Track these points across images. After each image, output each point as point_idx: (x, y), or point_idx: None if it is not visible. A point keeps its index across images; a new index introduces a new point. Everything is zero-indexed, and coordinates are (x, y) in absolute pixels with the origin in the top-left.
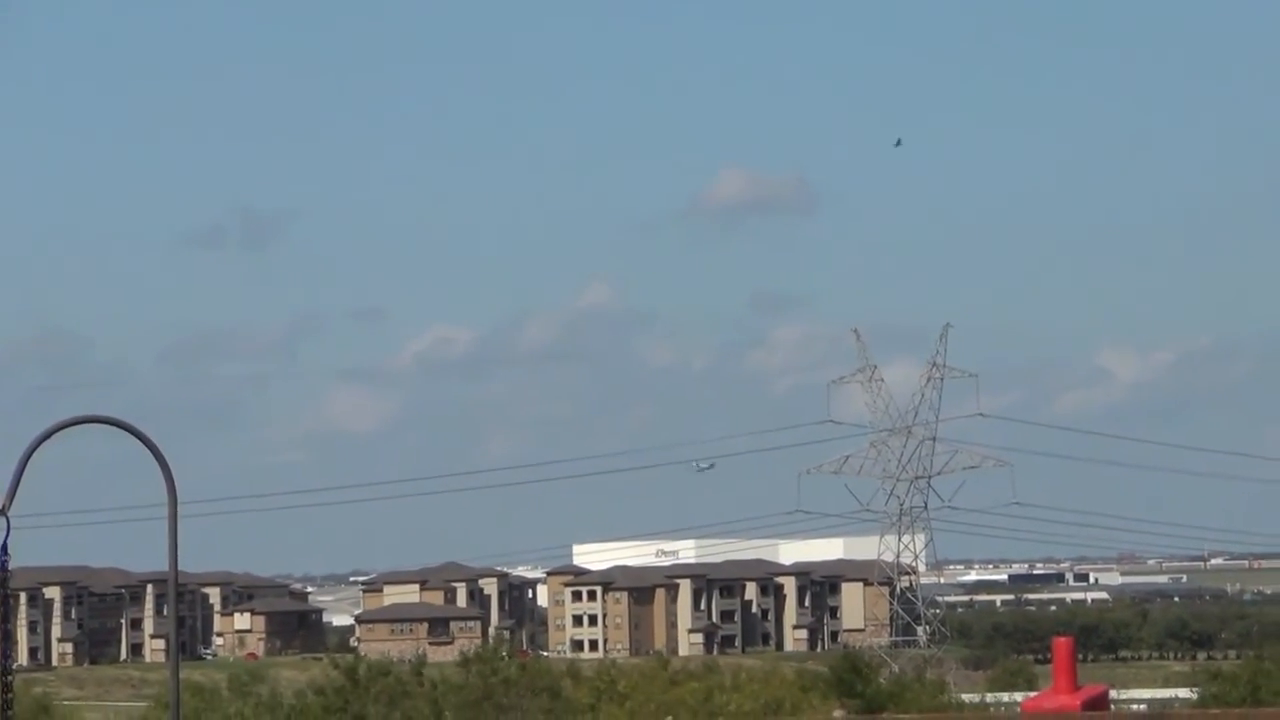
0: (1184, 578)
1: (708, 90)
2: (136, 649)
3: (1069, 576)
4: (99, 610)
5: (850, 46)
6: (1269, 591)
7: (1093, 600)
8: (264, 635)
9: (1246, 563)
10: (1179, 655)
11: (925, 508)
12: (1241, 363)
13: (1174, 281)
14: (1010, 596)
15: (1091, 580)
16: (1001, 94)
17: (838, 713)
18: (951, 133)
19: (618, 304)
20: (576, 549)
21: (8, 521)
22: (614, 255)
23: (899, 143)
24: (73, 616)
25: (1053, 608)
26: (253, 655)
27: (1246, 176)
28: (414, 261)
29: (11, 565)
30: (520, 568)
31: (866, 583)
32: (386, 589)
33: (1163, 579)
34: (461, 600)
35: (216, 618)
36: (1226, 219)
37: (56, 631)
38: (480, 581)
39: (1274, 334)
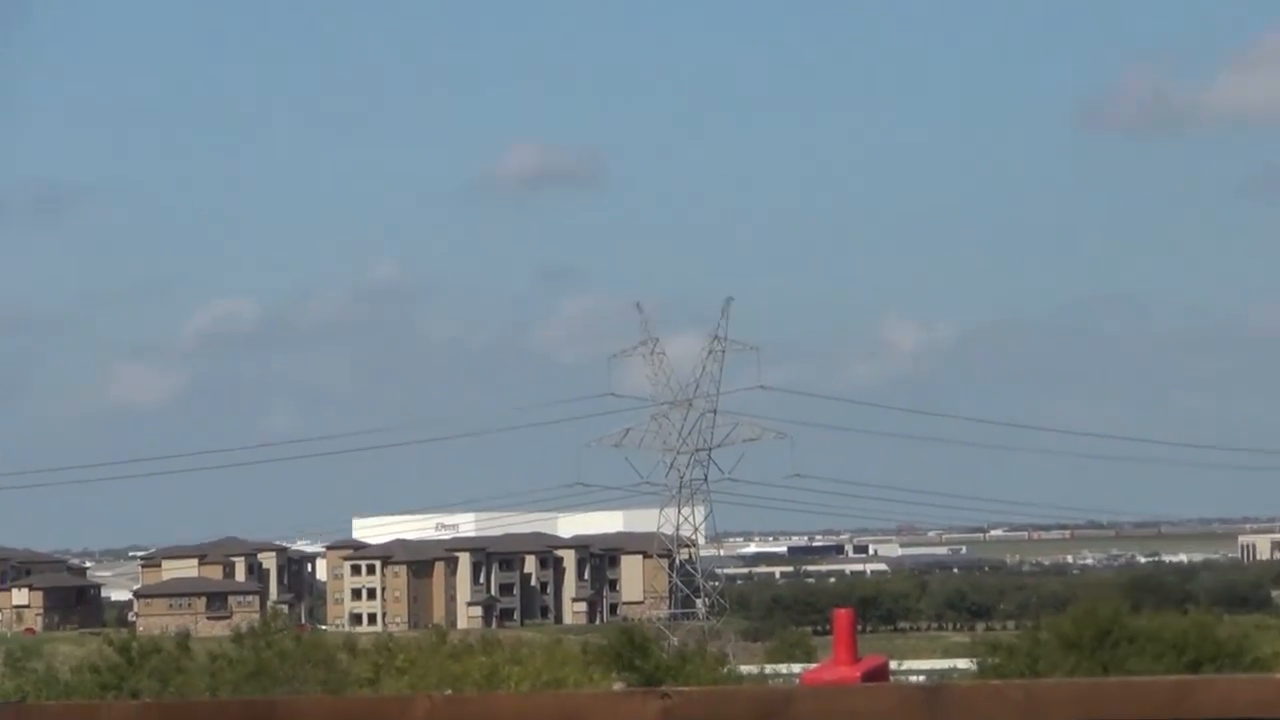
0: (963, 549)
1: (500, 63)
2: None
3: (848, 548)
4: None
5: (642, 22)
6: (1047, 563)
7: (872, 572)
8: (42, 610)
9: (1025, 534)
10: (958, 626)
11: (705, 480)
12: (1024, 336)
13: (958, 254)
14: (790, 569)
15: (871, 552)
16: (788, 71)
17: (617, 685)
18: (738, 108)
19: (403, 278)
20: (356, 523)
21: None
22: (400, 229)
23: None
24: None
25: (832, 579)
26: (30, 630)
27: (1029, 153)
28: (199, 236)
29: None
30: (299, 542)
31: (646, 555)
32: (165, 564)
33: (942, 550)
34: (240, 575)
35: None
36: (1009, 193)
37: None
38: (259, 556)
39: (1056, 308)
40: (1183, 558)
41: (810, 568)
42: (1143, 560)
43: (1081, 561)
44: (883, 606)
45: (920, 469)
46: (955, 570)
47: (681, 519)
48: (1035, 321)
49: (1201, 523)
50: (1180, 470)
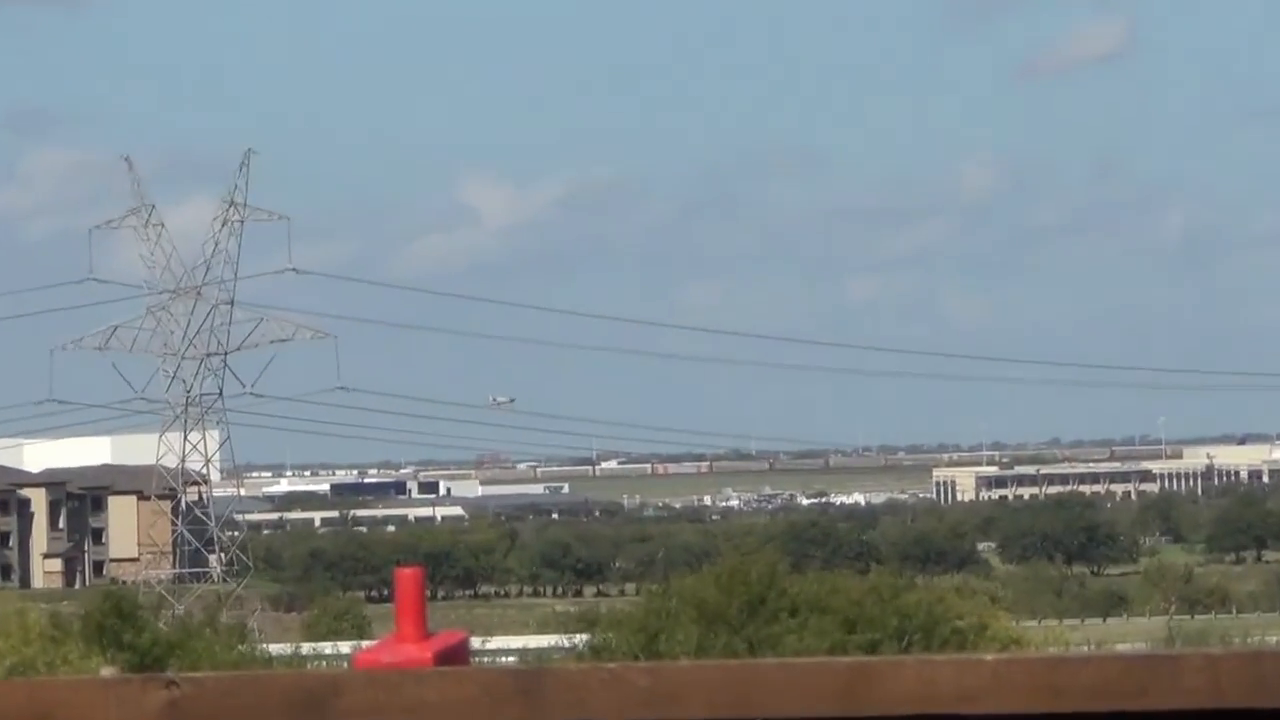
0: (565, 487)
1: None
2: None
3: (412, 486)
4: None
5: None
6: (678, 505)
7: (444, 518)
8: None
9: (649, 467)
10: (560, 591)
11: (220, 395)
12: (648, 204)
13: (559, 97)
14: (334, 514)
15: (443, 491)
16: None
17: (106, 670)
18: None
19: None
20: None
21: None
22: None
23: None
24: None
25: (391, 528)
26: None
27: None
28: None
29: None
30: None
31: (142, 496)
32: None
33: (538, 489)
34: None
35: None
36: (626, 20)
37: None
38: None
39: (694, 167)
40: (859, 498)
41: (362, 512)
42: (805, 502)
43: (724, 503)
44: (459, 564)
45: (508, 380)
46: (555, 515)
47: (189, 447)
48: (664, 184)
49: (883, 451)
50: (855, 381)
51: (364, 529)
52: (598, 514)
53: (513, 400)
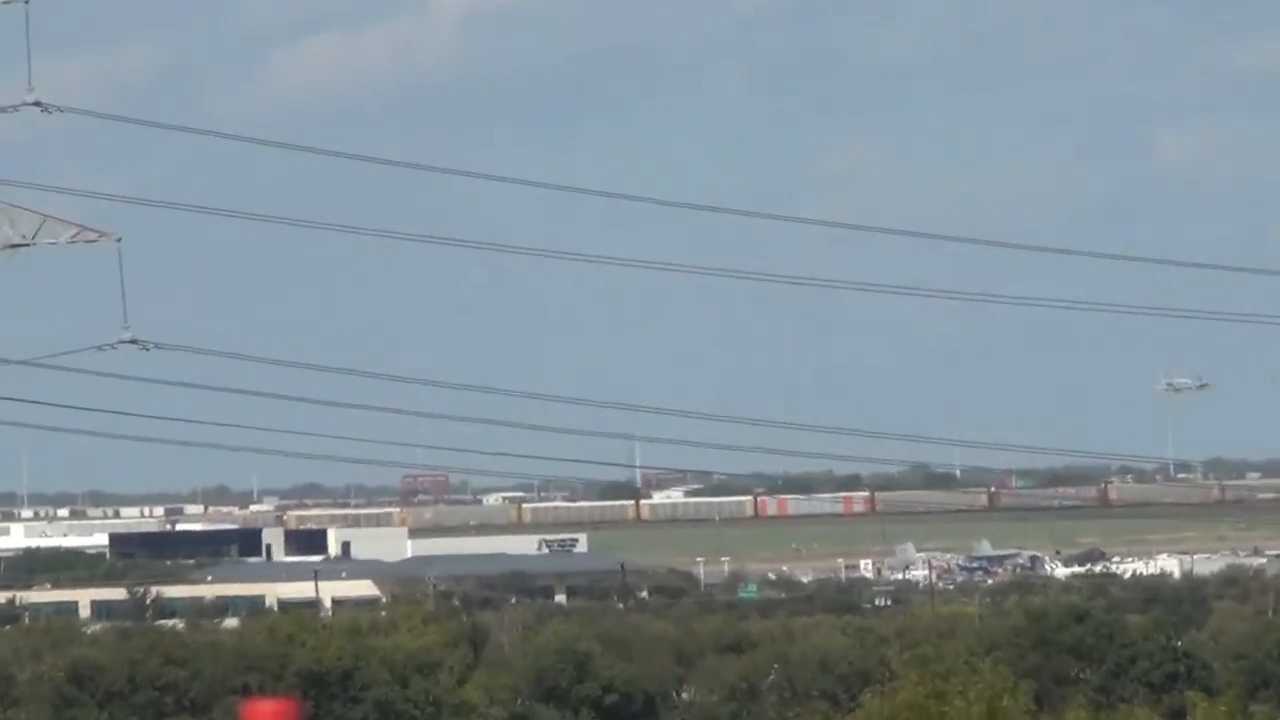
0: (579, 541)
1: None
2: None
3: (273, 541)
4: None
5: None
6: (806, 579)
7: (339, 601)
8: None
9: (745, 500)
10: None
11: None
12: None
13: None
14: (117, 592)
15: (335, 550)
16: None
17: None
18: None
19: None
20: None
21: None
22: None
23: None
24: None
25: (231, 621)
26: None
27: None
28: None
29: None
30: None
31: None
32: None
33: (526, 545)
34: None
35: None
36: None
37: None
38: None
39: None
40: (1165, 565)
41: (173, 591)
42: (1061, 573)
43: (899, 574)
44: (369, 694)
45: (474, 330)
46: (561, 598)
47: None
48: None
49: (1214, 471)
50: (1145, 330)
51: (176, 623)
52: (646, 594)
53: (1203, 385)
